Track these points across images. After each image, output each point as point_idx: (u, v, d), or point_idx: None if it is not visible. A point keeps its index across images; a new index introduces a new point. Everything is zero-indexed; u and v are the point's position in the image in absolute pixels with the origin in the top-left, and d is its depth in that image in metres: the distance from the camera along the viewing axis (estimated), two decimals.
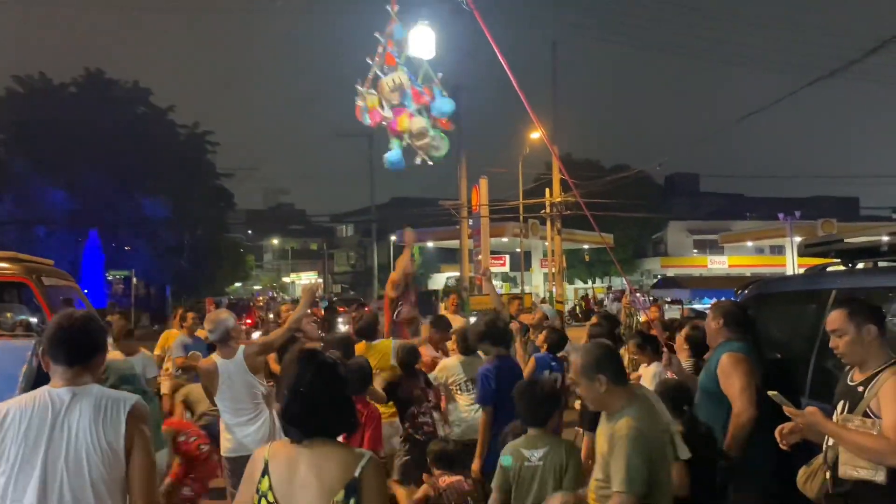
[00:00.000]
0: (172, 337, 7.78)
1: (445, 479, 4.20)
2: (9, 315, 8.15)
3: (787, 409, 2.89)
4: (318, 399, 2.09)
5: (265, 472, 2.07)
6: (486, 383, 4.56)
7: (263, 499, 2.05)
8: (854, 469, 2.73)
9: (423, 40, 4.82)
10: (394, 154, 5.06)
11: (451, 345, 5.81)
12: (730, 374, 3.65)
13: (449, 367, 5.40)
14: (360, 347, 5.61)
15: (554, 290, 28.82)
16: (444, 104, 5.04)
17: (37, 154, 29.44)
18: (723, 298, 4.52)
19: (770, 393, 2.99)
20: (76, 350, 2.37)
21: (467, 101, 26.35)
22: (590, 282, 47.39)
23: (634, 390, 2.97)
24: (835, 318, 2.92)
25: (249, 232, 67.22)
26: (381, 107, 4.90)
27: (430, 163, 5.08)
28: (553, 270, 30.24)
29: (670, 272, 42.58)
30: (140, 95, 35.09)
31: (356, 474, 2.01)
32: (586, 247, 40.41)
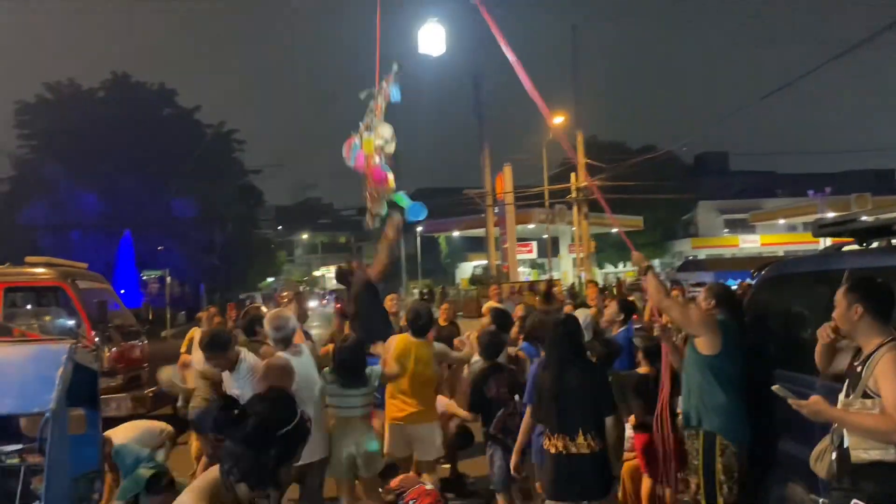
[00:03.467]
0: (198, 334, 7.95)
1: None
2: (47, 318, 8.43)
3: (792, 402, 2.91)
4: None
5: None
6: (531, 382, 4.59)
7: None
8: (864, 452, 2.75)
9: (432, 37, 4.90)
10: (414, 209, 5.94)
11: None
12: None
13: None
14: (402, 341, 5.20)
15: (583, 275, 28.69)
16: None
17: (68, 159, 30.11)
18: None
19: (774, 388, 3.01)
20: None
21: (488, 89, 26.29)
22: (620, 265, 47.07)
23: None
24: (837, 293, 3.01)
25: (279, 227, 67.95)
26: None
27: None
28: (581, 255, 30.13)
29: (701, 253, 42.13)
30: (166, 97, 35.64)
31: None
32: (615, 230, 40.13)
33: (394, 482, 4.20)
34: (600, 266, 41.23)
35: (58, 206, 30.06)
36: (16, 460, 3.89)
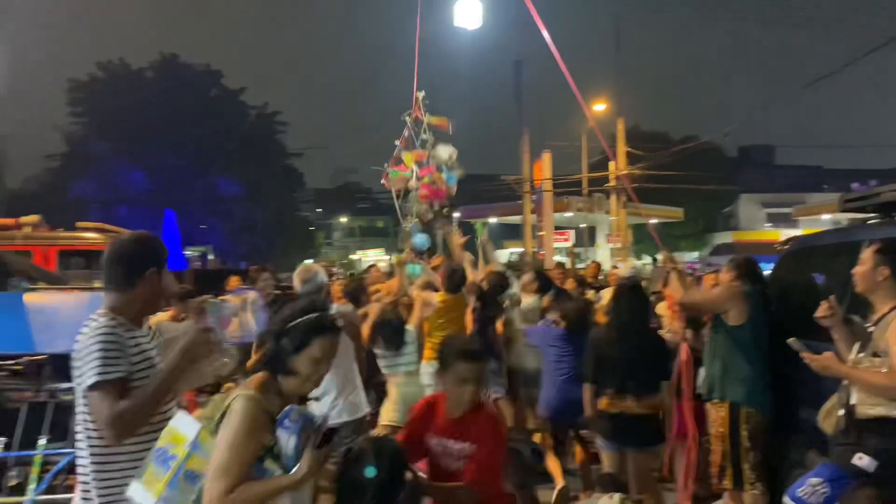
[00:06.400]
0: None
1: None
2: (96, 283, 8.82)
3: (804, 355, 3.07)
4: None
5: None
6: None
7: None
8: (870, 408, 2.87)
9: (469, 10, 5.04)
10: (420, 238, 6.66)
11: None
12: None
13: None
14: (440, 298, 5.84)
15: (620, 265, 28.50)
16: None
17: (117, 136, 30.94)
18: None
19: (789, 340, 3.15)
20: None
21: (528, 72, 26.21)
22: (659, 256, 46.57)
23: None
24: (864, 250, 3.13)
25: (319, 210, 68.77)
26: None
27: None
28: (618, 245, 29.93)
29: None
30: (212, 78, 36.28)
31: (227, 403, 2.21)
32: (654, 221, 39.70)
33: None
34: (638, 256, 40.86)
35: (106, 181, 30.95)
36: (71, 397, 4.17)
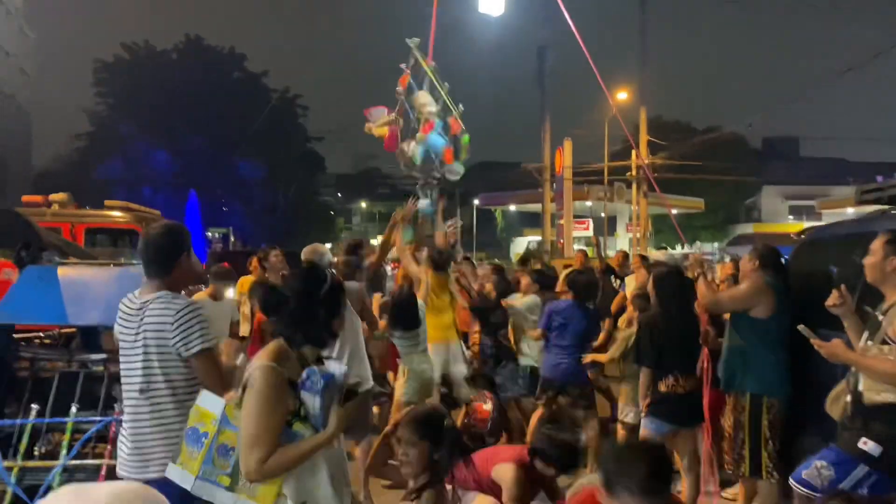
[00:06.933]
0: (247, 282, 8.32)
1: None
2: (123, 260, 9.04)
3: (813, 341, 3.11)
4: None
5: None
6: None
7: None
8: (876, 394, 2.93)
9: None
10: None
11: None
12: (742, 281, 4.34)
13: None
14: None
15: (638, 250, 28.39)
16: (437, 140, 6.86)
17: (142, 118, 31.28)
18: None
19: (798, 327, 3.20)
20: None
21: (551, 61, 26.06)
22: (678, 247, 46.33)
23: None
24: (874, 241, 3.17)
25: (339, 195, 69.14)
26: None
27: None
28: (638, 235, 29.79)
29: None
30: (236, 61, 36.51)
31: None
32: (675, 211, 39.42)
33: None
34: (657, 247, 40.62)
35: (131, 162, 31.34)
36: (100, 368, 4.34)
